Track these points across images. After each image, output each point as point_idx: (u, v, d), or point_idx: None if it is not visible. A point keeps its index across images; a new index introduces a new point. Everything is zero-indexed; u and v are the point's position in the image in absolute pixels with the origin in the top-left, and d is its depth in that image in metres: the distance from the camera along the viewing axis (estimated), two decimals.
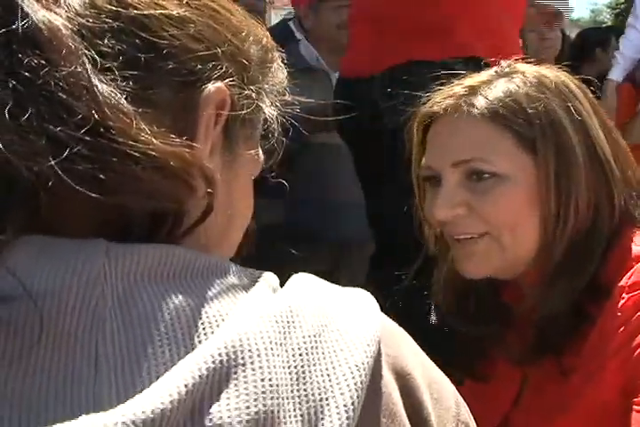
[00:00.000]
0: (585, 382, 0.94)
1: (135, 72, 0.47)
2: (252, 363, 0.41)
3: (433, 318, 1.12)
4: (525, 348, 1.01)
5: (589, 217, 0.98)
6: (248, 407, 0.40)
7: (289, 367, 0.43)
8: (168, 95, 0.50)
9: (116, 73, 0.46)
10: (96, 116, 0.43)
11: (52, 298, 0.42)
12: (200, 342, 0.42)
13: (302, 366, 0.44)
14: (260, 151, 0.60)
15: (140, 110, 0.47)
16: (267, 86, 0.58)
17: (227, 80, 0.52)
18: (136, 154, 0.44)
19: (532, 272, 1.01)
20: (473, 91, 1.01)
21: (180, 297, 0.44)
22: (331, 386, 0.43)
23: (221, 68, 0.52)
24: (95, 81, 0.45)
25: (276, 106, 0.60)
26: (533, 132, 0.98)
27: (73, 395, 0.39)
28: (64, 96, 0.43)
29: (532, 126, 0.98)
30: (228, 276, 0.47)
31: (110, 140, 0.44)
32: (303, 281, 0.50)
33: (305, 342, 0.44)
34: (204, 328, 0.43)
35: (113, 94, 0.45)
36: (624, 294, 0.93)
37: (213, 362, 0.40)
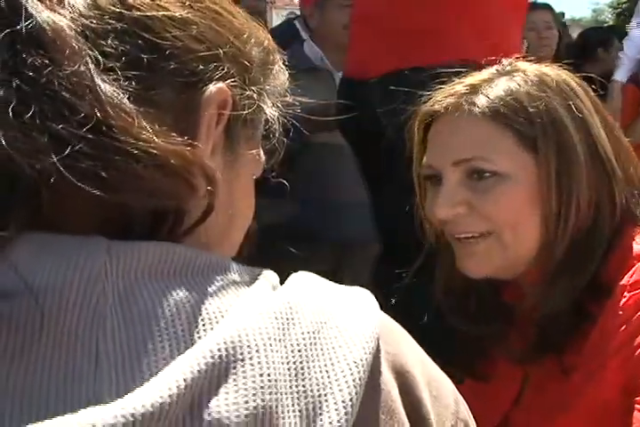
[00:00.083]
0: (586, 380, 0.94)
1: (138, 72, 0.48)
2: (250, 358, 0.42)
3: (433, 317, 1.12)
4: (526, 347, 1.01)
5: (590, 216, 0.98)
6: (247, 402, 0.40)
7: (288, 363, 0.43)
8: (170, 95, 0.50)
9: (119, 73, 0.47)
10: (98, 115, 0.44)
11: (53, 294, 0.42)
12: (200, 337, 0.42)
13: (301, 362, 0.44)
14: (262, 151, 0.60)
15: (142, 110, 0.47)
16: (268, 87, 0.58)
17: (228, 81, 0.53)
18: (137, 152, 0.45)
19: (533, 271, 1.01)
20: (474, 89, 1.01)
21: (181, 294, 0.44)
22: (329, 382, 0.44)
23: (223, 69, 0.52)
24: (98, 80, 0.45)
25: (278, 106, 0.60)
26: (534, 130, 0.98)
27: (74, 392, 0.40)
28: (67, 95, 0.43)
29: (533, 125, 0.98)
30: (228, 273, 0.48)
31: (112, 138, 0.44)
32: (303, 279, 0.51)
33: (304, 339, 0.45)
34: (203, 324, 0.43)
35: (115, 94, 0.46)
36: (625, 293, 0.93)
37: (212, 357, 0.41)
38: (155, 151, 0.45)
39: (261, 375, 0.41)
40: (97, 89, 0.45)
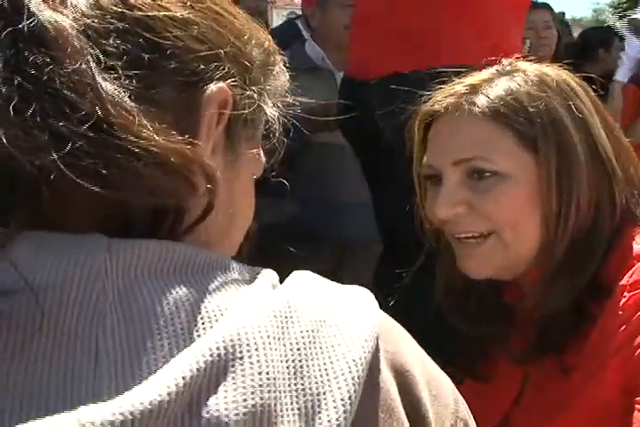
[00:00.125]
0: (586, 380, 0.94)
1: (139, 71, 0.48)
2: (249, 357, 0.42)
3: (434, 317, 1.12)
4: (527, 347, 1.01)
5: (590, 216, 0.98)
6: (245, 400, 0.40)
7: (286, 362, 0.43)
8: (171, 94, 0.50)
9: (120, 72, 0.47)
10: (99, 113, 0.44)
11: (53, 292, 0.42)
12: (199, 336, 0.43)
13: (300, 361, 0.44)
14: (262, 152, 0.60)
15: (143, 108, 0.47)
16: (269, 87, 0.59)
17: (229, 80, 0.53)
18: (138, 150, 0.45)
19: (534, 271, 1.01)
20: (474, 89, 1.01)
21: (180, 292, 0.44)
22: (328, 380, 0.44)
23: (223, 69, 0.53)
24: (99, 79, 0.45)
25: (278, 106, 0.60)
26: (534, 130, 0.98)
27: (73, 389, 0.40)
28: (68, 93, 0.44)
29: (533, 125, 0.98)
30: (227, 272, 0.48)
31: (113, 136, 0.44)
32: (302, 278, 0.51)
33: (303, 337, 0.45)
34: (202, 323, 0.43)
35: (116, 92, 0.46)
36: (625, 293, 0.93)
37: (211, 355, 0.41)
38: (155, 149, 0.45)
39: (260, 374, 0.41)
40: (98, 87, 0.45)
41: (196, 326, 0.43)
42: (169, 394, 0.38)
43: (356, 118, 1.72)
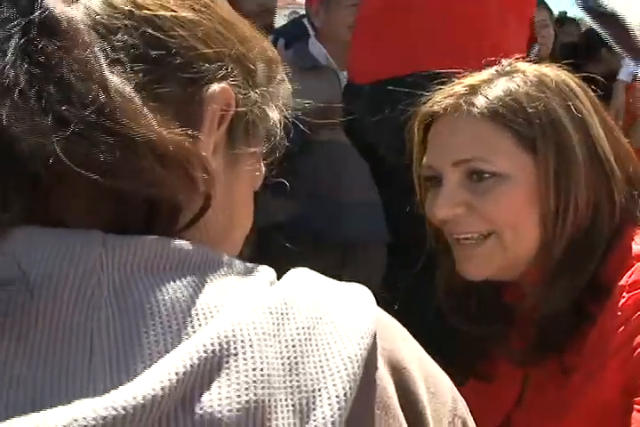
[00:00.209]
0: (586, 381, 0.94)
1: (144, 66, 0.49)
2: (244, 353, 0.42)
3: (435, 317, 1.12)
4: (527, 347, 1.01)
5: (589, 216, 0.98)
6: (239, 396, 0.40)
7: (282, 358, 0.43)
8: (174, 90, 0.51)
9: (126, 66, 0.49)
10: (103, 99, 0.45)
11: (48, 287, 0.42)
12: (194, 332, 0.43)
13: (295, 358, 0.44)
14: (262, 165, 0.61)
15: (146, 101, 0.48)
16: (272, 90, 0.59)
17: (232, 82, 0.54)
18: (138, 138, 0.45)
19: (533, 271, 1.01)
20: (473, 90, 1.01)
21: (176, 288, 0.44)
22: (323, 377, 0.44)
23: (227, 69, 0.54)
24: (105, 68, 0.47)
25: (281, 110, 0.61)
26: (533, 131, 0.98)
27: (68, 385, 0.40)
28: (74, 80, 0.45)
29: (531, 126, 0.98)
30: (224, 269, 0.48)
31: (114, 121, 0.45)
32: (300, 275, 0.51)
33: (298, 334, 0.45)
34: (198, 319, 0.43)
35: (121, 83, 0.47)
36: (624, 293, 0.93)
37: (205, 351, 0.41)
38: (155, 138, 0.46)
39: (254, 370, 0.42)
40: (104, 76, 0.46)
41: (191, 322, 0.43)
42: (162, 389, 0.39)
43: (354, 123, 1.73)
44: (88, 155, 0.44)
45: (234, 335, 0.42)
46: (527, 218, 0.99)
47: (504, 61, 1.06)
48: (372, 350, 0.48)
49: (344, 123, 1.69)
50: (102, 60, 0.47)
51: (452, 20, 1.80)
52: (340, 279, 0.54)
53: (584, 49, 3.97)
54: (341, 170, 2.48)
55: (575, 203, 0.97)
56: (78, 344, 0.41)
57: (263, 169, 0.61)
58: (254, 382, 0.41)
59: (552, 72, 1.04)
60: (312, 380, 0.44)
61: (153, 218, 0.48)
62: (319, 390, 0.43)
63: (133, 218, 0.47)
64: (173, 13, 0.52)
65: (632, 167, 1.03)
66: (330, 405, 0.43)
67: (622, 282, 0.94)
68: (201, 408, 0.40)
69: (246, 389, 0.41)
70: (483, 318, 1.08)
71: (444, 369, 0.56)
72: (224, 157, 0.55)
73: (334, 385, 0.43)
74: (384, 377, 0.49)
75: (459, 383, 0.58)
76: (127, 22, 0.50)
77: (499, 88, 1.00)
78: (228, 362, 0.41)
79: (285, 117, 0.62)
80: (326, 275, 0.53)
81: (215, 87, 0.53)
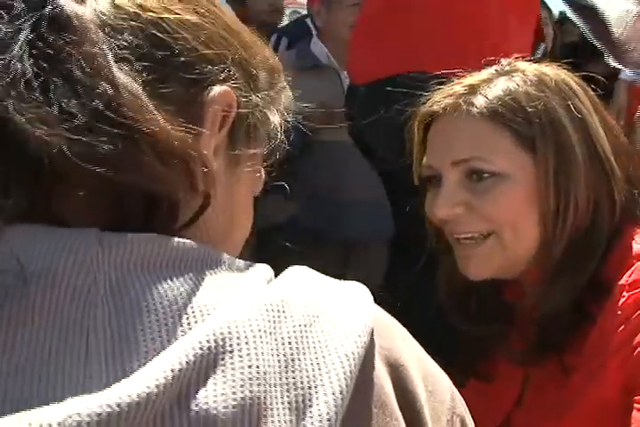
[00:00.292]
0: (586, 380, 0.94)
1: (148, 64, 0.50)
2: (239, 350, 0.42)
3: (435, 316, 1.12)
4: (527, 347, 1.01)
5: (589, 215, 0.98)
6: (234, 393, 0.41)
7: (278, 355, 0.44)
8: (178, 90, 0.52)
9: (134, 64, 0.49)
10: (110, 93, 0.45)
11: (44, 284, 0.43)
12: (190, 329, 0.43)
13: (292, 355, 0.44)
14: (263, 159, 0.61)
15: (150, 99, 0.48)
16: (274, 95, 0.60)
17: (234, 84, 0.55)
18: (144, 133, 0.46)
19: (533, 270, 1.01)
20: (472, 90, 1.01)
21: (173, 286, 0.45)
22: (320, 375, 0.44)
23: (229, 72, 0.54)
24: (113, 65, 0.47)
25: (282, 113, 0.61)
26: (533, 130, 0.98)
27: (64, 382, 0.40)
28: (82, 74, 0.45)
29: (531, 125, 0.98)
30: (221, 266, 0.48)
31: (121, 116, 0.45)
32: (297, 273, 0.51)
33: (295, 332, 0.45)
34: (194, 316, 0.44)
35: (129, 80, 0.48)
36: (624, 293, 0.93)
37: (201, 348, 0.41)
38: (161, 134, 0.47)
39: (250, 367, 0.42)
40: (111, 71, 0.46)
41: (187, 319, 0.43)
42: (157, 386, 0.39)
43: (355, 123, 1.73)
44: (91, 147, 0.44)
45: (229, 332, 0.42)
46: (527, 217, 0.99)
47: (504, 61, 1.06)
48: (370, 347, 0.48)
49: (347, 118, 1.69)
50: (110, 57, 0.47)
51: (452, 20, 1.79)
52: (342, 279, 0.54)
53: (584, 49, 3.96)
54: (342, 169, 2.48)
55: (575, 202, 0.97)
56: (74, 341, 0.41)
57: (263, 172, 0.61)
58: (250, 379, 0.41)
59: (552, 71, 1.04)
60: (308, 377, 0.44)
61: (152, 214, 0.48)
62: (315, 387, 0.43)
63: (133, 213, 0.48)
64: (177, 16, 0.53)
65: (632, 166, 1.03)
66: (326, 402, 0.43)
67: (622, 281, 0.94)
68: (196, 405, 0.40)
69: (242, 386, 0.41)
70: (483, 317, 1.08)
71: (444, 369, 0.56)
72: (225, 158, 0.55)
73: (330, 383, 0.43)
74: (381, 375, 0.49)
75: (459, 384, 0.58)
76: (132, 23, 0.51)
77: (498, 88, 1.00)
78: (223, 359, 0.41)
79: (286, 121, 0.62)
80: (327, 274, 0.53)
81: (217, 89, 0.53)
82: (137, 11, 0.52)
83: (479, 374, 1.12)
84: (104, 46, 0.47)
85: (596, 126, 1.00)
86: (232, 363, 0.41)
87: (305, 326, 0.46)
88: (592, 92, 1.05)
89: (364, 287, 0.53)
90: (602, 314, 0.95)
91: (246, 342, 0.42)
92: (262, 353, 0.43)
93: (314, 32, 2.87)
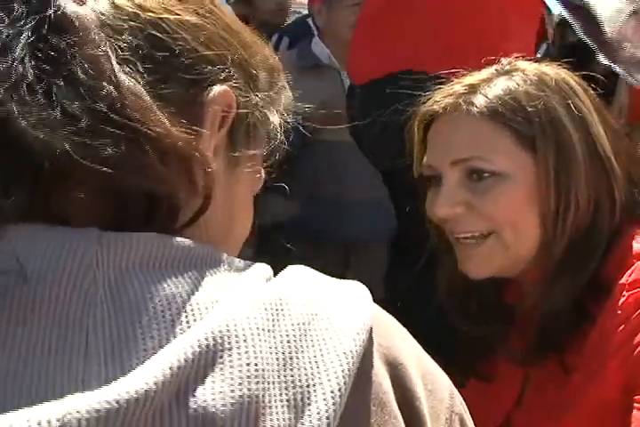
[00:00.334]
0: (586, 380, 0.94)
1: (148, 65, 0.50)
2: (238, 348, 0.42)
3: (435, 316, 1.12)
4: (527, 347, 1.01)
5: (589, 214, 0.98)
6: (233, 391, 0.41)
7: (276, 353, 0.44)
8: (177, 91, 0.52)
9: (137, 65, 0.49)
10: (113, 95, 0.45)
11: (43, 284, 0.43)
12: (189, 327, 0.43)
13: (290, 353, 0.44)
14: (262, 159, 0.61)
15: (152, 100, 0.49)
16: (274, 95, 0.60)
17: (234, 84, 0.55)
18: (149, 134, 0.46)
19: (533, 270, 1.01)
20: (473, 89, 1.01)
21: (172, 285, 0.45)
22: (318, 373, 0.44)
23: (229, 72, 0.54)
24: (116, 67, 0.47)
25: (282, 114, 0.61)
26: (533, 130, 0.98)
27: (63, 380, 0.40)
28: (84, 76, 0.45)
29: (531, 124, 0.98)
30: (220, 265, 0.48)
31: (125, 117, 0.45)
32: (296, 272, 0.51)
33: (294, 330, 0.45)
34: (193, 314, 0.44)
35: (131, 81, 0.48)
36: (624, 292, 0.93)
37: (200, 346, 0.41)
38: (165, 135, 0.47)
39: (248, 365, 0.42)
40: (114, 73, 0.46)
41: (186, 318, 0.43)
42: (156, 384, 0.39)
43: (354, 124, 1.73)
44: (95, 150, 0.44)
45: (228, 330, 0.42)
46: (527, 217, 0.99)
47: (504, 60, 1.06)
48: (368, 346, 0.48)
49: (349, 118, 1.69)
50: (113, 58, 0.47)
51: (452, 20, 1.79)
52: (342, 279, 0.54)
53: (584, 48, 3.96)
54: (342, 169, 2.48)
55: (575, 201, 0.97)
56: (74, 340, 0.41)
57: (263, 172, 0.61)
58: (248, 377, 0.41)
59: (552, 71, 1.04)
60: (307, 375, 0.44)
61: (153, 214, 0.48)
62: (314, 385, 0.43)
63: (133, 213, 0.48)
64: (177, 17, 0.53)
65: (633, 165, 1.03)
66: (324, 400, 0.43)
67: (622, 280, 0.94)
68: (195, 403, 0.40)
69: (240, 384, 0.41)
70: (483, 317, 1.08)
71: (444, 369, 0.56)
72: (224, 158, 0.55)
73: (329, 381, 0.43)
74: (380, 373, 0.49)
75: (459, 384, 0.58)
76: (132, 24, 0.51)
77: (498, 87, 1.00)
78: (222, 357, 0.41)
79: (286, 121, 0.62)
80: (327, 274, 0.53)
81: (217, 89, 0.53)
82: (136, 11, 0.51)
83: (479, 374, 1.12)
84: (106, 48, 0.47)
85: (597, 125, 1.00)
86: (230, 361, 0.42)
87: (303, 324, 0.46)
88: (592, 92, 1.05)
89: (363, 286, 0.53)
90: (602, 314, 0.95)
91: (245, 340, 0.42)
92: (261, 351, 0.43)
93: (315, 32, 2.88)
